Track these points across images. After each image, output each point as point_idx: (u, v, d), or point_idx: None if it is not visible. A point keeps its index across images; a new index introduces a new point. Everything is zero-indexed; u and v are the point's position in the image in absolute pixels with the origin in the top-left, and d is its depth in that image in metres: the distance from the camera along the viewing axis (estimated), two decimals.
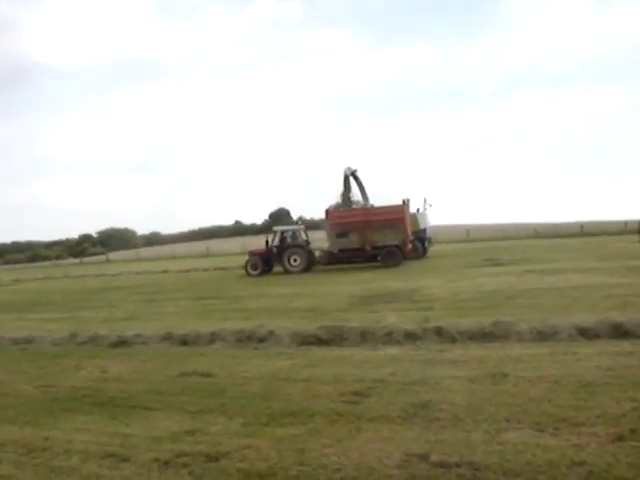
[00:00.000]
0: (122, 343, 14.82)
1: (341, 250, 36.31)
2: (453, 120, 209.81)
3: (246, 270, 37.75)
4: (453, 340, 12.09)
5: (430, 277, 25.73)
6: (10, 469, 7.02)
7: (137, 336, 15.09)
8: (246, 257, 39.61)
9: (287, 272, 36.24)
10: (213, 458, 6.72)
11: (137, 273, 46.74)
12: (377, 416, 7.74)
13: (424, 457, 6.27)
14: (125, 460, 6.90)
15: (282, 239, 38.11)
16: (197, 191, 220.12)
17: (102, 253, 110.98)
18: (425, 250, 41.03)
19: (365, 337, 12.84)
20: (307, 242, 38.46)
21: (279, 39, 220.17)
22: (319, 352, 12.29)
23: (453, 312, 15.50)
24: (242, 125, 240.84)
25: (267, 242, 38.15)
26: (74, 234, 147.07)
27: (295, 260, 36.82)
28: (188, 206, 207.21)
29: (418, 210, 41.30)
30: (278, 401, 8.90)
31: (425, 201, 42.92)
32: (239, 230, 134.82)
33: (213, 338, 14.18)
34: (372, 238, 35.49)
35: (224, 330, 14.52)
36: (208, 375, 10.96)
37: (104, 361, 13.05)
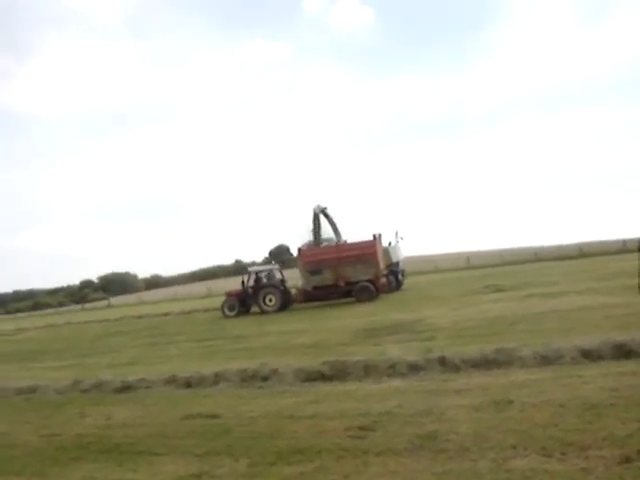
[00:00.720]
0: (126, 388, 14.77)
1: (315, 287, 36.32)
2: (447, 148, 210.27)
3: (223, 311, 37.88)
4: (457, 369, 12.06)
5: (433, 306, 25.69)
6: None
7: (141, 380, 15.04)
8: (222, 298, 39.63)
9: (263, 312, 36.28)
10: None
11: (139, 317, 46.59)
12: (383, 450, 7.72)
13: None
14: None
15: (257, 279, 38.36)
16: (196, 232, 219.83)
17: (104, 298, 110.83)
18: (399, 283, 41.18)
19: (369, 371, 12.80)
20: (282, 281, 38.58)
21: (270, 78, 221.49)
22: (323, 388, 12.25)
23: (456, 341, 15.49)
24: (238, 164, 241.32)
25: (243, 282, 38.35)
26: (75, 280, 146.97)
27: (270, 300, 36.84)
28: (188, 247, 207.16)
29: (390, 243, 41.36)
30: (284, 439, 8.87)
31: (397, 234, 43.15)
32: (239, 269, 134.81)
33: (217, 379, 14.15)
34: (345, 274, 35.62)
35: (228, 370, 14.48)
36: (213, 416, 10.93)
37: (109, 407, 13.01)
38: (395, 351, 14.52)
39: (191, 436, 9.80)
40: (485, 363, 12.07)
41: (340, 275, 35.58)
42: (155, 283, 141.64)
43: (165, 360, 19.74)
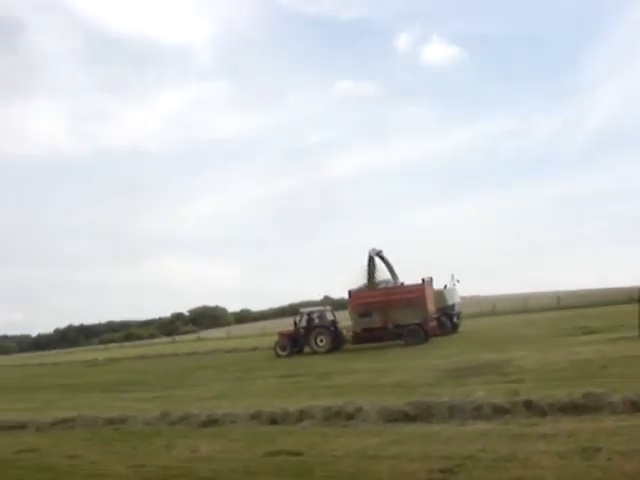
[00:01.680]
0: (212, 422, 14.98)
1: (364, 329, 36.49)
2: (539, 185, 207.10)
3: (275, 351, 38.25)
4: (543, 413, 11.83)
5: (521, 347, 25.12)
6: None
7: (226, 415, 15.23)
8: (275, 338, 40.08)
9: (314, 352, 36.62)
10: None
11: (227, 351, 47.11)
12: None
13: None
14: None
15: (309, 320, 38.63)
16: (287, 267, 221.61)
17: (194, 331, 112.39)
18: (455, 326, 41.04)
19: (453, 412, 12.68)
20: (334, 322, 38.69)
21: (358, 117, 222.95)
22: (407, 428, 12.19)
23: (544, 383, 15.15)
24: (328, 198, 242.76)
25: (295, 323, 38.91)
26: (167, 313, 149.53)
27: (321, 340, 37.19)
28: (277, 282, 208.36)
29: (445, 286, 41.73)
30: (366, 479, 8.87)
31: (453, 277, 43.35)
32: (330, 304, 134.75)
33: (302, 416, 14.21)
34: (394, 317, 35.64)
35: (313, 407, 14.52)
36: (296, 454, 10.99)
37: (195, 440, 13.23)
38: (481, 393, 14.30)
39: (274, 473, 9.90)
40: (573, 408, 11.80)
41: (389, 318, 35.72)
42: (244, 317, 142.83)
43: (251, 395, 19.94)
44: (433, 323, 36.53)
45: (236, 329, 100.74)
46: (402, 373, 21.20)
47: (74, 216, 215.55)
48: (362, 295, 37.84)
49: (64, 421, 17.38)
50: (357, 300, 37.40)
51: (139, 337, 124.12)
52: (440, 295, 39.96)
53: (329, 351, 36.45)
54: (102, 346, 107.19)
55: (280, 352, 37.79)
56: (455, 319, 41.12)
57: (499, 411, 12.27)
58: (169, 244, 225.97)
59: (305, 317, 39.04)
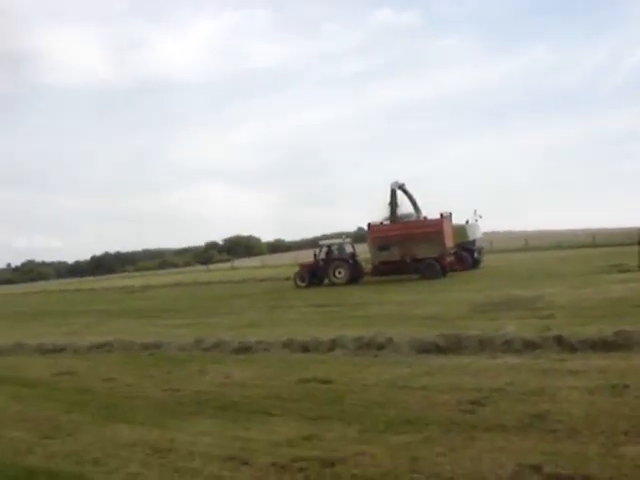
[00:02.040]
0: (245, 349, 15.25)
1: (382, 262, 37.25)
2: (578, 121, 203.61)
3: (295, 281, 39.50)
4: (573, 349, 11.87)
5: (554, 284, 25.09)
6: (138, 468, 7.44)
7: (259, 342, 15.49)
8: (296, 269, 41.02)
9: (332, 284, 37.48)
10: (329, 463, 6.91)
11: (261, 280, 47.55)
12: (492, 426, 7.76)
13: (537, 469, 6.24)
14: (245, 463, 7.20)
15: (328, 252, 39.33)
16: (321, 198, 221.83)
17: (228, 260, 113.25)
18: (477, 261, 41.31)
19: (484, 345, 12.78)
20: (353, 255, 39.52)
21: (397, 48, 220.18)
22: (437, 360, 12.32)
23: (575, 320, 15.16)
24: (362, 132, 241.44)
25: (315, 255, 39.98)
26: (201, 242, 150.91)
27: (340, 272, 38.04)
28: (312, 213, 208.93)
29: (467, 222, 41.96)
30: (395, 409, 9.02)
31: (475, 213, 43.38)
32: (361, 236, 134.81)
33: (333, 345, 14.41)
34: (412, 251, 36.20)
35: (344, 337, 14.72)
36: (327, 382, 11.19)
37: (227, 367, 13.51)
38: (511, 327, 14.35)
39: (305, 399, 10.09)
40: (603, 345, 11.82)
41: (407, 252, 36.30)
42: (278, 247, 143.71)
43: (284, 324, 20.24)
44: (451, 258, 37.10)
45: (269, 258, 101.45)
46: (434, 306, 21.29)
47: (112, 145, 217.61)
48: (381, 229, 38.46)
49: (101, 345, 17.80)
50: (376, 233, 38.05)
51: (174, 265, 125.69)
52: (461, 230, 40.34)
53: (347, 283, 37.20)
54: (138, 273, 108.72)
55: (299, 283, 39.00)
56: (476, 254, 41.28)
57: (529, 346, 12.34)
58: (204, 174, 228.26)
59: (325, 249, 39.74)
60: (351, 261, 38.69)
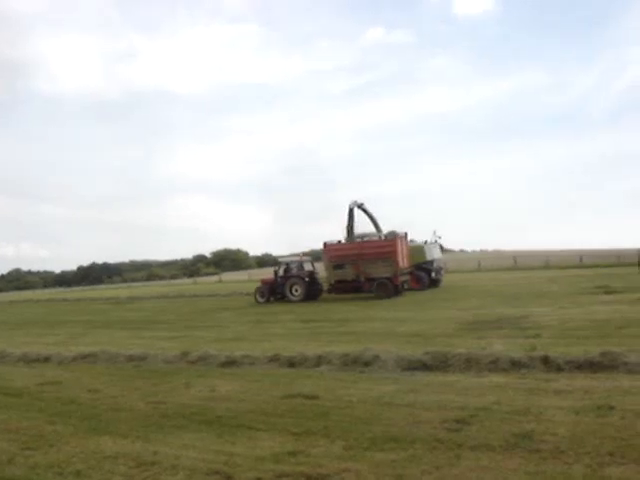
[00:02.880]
0: (231, 363, 15.21)
1: (338, 281, 38.11)
2: (567, 143, 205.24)
3: (255, 297, 40.65)
4: (559, 369, 11.91)
5: (540, 304, 25.21)
6: None
7: (245, 356, 15.46)
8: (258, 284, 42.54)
9: (289, 301, 38.45)
10: (313, 479, 6.88)
11: (247, 294, 47.35)
12: (478, 445, 7.75)
13: None
14: (228, 478, 7.18)
15: (286, 270, 40.33)
16: (312, 213, 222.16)
17: (215, 273, 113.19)
18: (435, 281, 41.98)
19: (470, 364, 12.79)
20: (311, 273, 40.04)
21: (388, 66, 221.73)
22: (423, 377, 12.32)
23: (561, 340, 15.25)
24: (354, 149, 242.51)
25: (275, 272, 40.78)
26: (189, 255, 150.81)
27: (296, 290, 38.96)
28: (299, 228, 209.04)
29: (426, 242, 43.13)
30: (380, 426, 9.00)
31: (434, 233, 45.02)
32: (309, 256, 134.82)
33: (319, 361, 14.39)
34: (365, 270, 36.97)
35: (330, 353, 14.72)
36: (313, 397, 11.17)
37: (213, 380, 13.46)
38: (498, 346, 14.40)
39: (290, 415, 10.06)
40: (589, 366, 11.87)
41: (361, 271, 37.06)
42: (265, 261, 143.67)
43: (270, 338, 20.20)
44: (404, 277, 37.81)
45: (257, 273, 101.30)
46: (421, 323, 21.30)
47: (102, 156, 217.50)
48: (336, 248, 39.12)
49: (86, 356, 17.71)
50: (331, 252, 38.78)
51: (161, 277, 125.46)
52: (419, 250, 41.49)
53: (303, 300, 38.05)
54: (124, 285, 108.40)
55: (259, 299, 40.18)
56: (434, 274, 41.77)
57: (516, 365, 12.37)
58: (194, 187, 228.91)
59: (283, 267, 40.73)
60: (307, 279, 39.34)
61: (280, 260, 43.26)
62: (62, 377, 15.20)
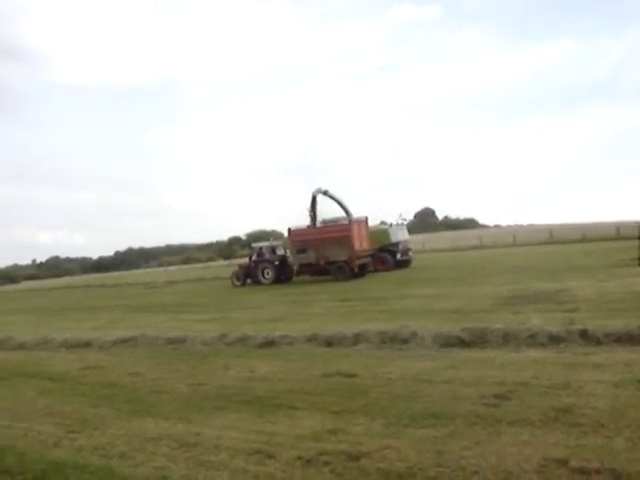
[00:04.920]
0: (269, 344, 15.31)
1: (302, 265, 40.24)
2: (598, 116, 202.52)
3: (231, 280, 43.82)
4: (598, 343, 11.82)
5: (577, 277, 24.91)
6: (164, 461, 7.52)
7: (283, 337, 15.56)
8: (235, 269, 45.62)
9: (260, 284, 41.05)
10: (354, 457, 6.95)
11: None
12: (517, 419, 7.76)
13: (563, 462, 6.25)
14: (270, 457, 7.25)
15: (259, 254, 42.81)
16: (343, 191, 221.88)
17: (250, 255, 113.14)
18: (403, 262, 43.67)
19: (508, 339, 12.76)
20: (283, 257, 42.32)
21: (417, 42, 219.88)
22: (461, 354, 12.32)
23: (600, 314, 15.08)
24: (384, 126, 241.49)
25: (250, 257, 43.91)
26: (224, 237, 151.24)
27: (268, 273, 41.54)
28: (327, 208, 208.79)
29: (391, 225, 44.87)
30: (419, 403, 9.03)
31: (400, 216, 46.91)
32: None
33: (357, 339, 14.43)
34: (324, 254, 39.00)
35: (368, 331, 14.73)
36: (352, 376, 11.23)
37: (252, 361, 13.57)
38: (536, 321, 14.27)
39: (329, 393, 10.12)
40: (629, 339, 11.76)
41: (321, 255, 39.20)
42: None
43: (307, 318, 20.28)
44: (363, 260, 39.43)
45: None
46: (457, 300, 21.21)
47: (136, 141, 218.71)
48: (299, 233, 40.96)
49: (126, 340, 17.95)
50: (295, 237, 40.86)
51: (197, 260, 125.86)
52: (383, 233, 43.41)
53: (274, 283, 40.46)
54: (161, 268, 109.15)
55: (236, 282, 43.34)
56: (399, 255, 43.34)
57: (554, 339, 12.30)
58: (229, 168, 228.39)
59: (257, 252, 43.20)
60: (277, 263, 41.55)
61: (253, 245, 45.99)
62: (103, 361, 15.43)
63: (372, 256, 40.75)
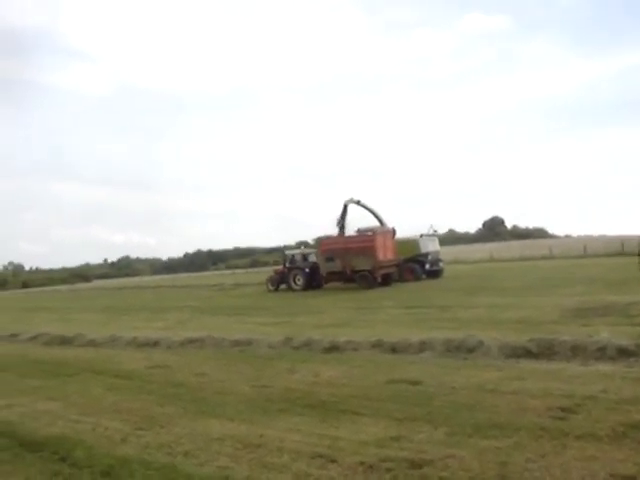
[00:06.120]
0: (334, 349, 15.38)
1: (329, 273, 41.65)
2: None
3: (266, 285, 45.77)
4: None
5: None
6: (227, 461, 7.63)
7: (348, 342, 15.60)
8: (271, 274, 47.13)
9: (292, 290, 42.61)
10: (416, 465, 6.94)
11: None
12: (584, 434, 7.63)
13: (631, 479, 6.13)
14: (332, 461, 7.30)
15: (292, 261, 44.61)
16: (408, 200, 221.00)
17: None
18: (434, 272, 44.09)
19: (576, 351, 12.57)
20: (314, 264, 43.24)
21: (488, 52, 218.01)
22: (528, 365, 12.19)
23: None
24: (453, 135, 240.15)
25: (284, 263, 45.37)
26: (292, 241, 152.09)
27: (299, 279, 43.05)
28: (397, 215, 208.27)
29: (421, 235, 45.23)
30: (484, 413, 8.96)
31: (430, 227, 47.82)
32: (453, 239, 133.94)
33: (422, 347, 14.40)
34: (350, 263, 40.25)
35: (434, 339, 14.68)
36: (416, 383, 11.20)
37: (317, 365, 13.64)
38: (605, 334, 13.98)
39: (393, 400, 10.12)
40: None
41: (347, 264, 40.42)
42: None
43: (372, 324, 20.27)
44: (388, 270, 40.84)
45: None
46: (524, 310, 20.90)
47: (205, 146, 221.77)
48: (328, 242, 42.47)
49: (193, 341, 18.24)
50: (324, 246, 42.36)
51: (264, 264, 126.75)
52: (413, 243, 43.95)
53: (305, 289, 41.92)
54: (229, 271, 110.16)
55: (270, 287, 45.17)
56: (428, 266, 43.80)
57: (623, 353, 12.07)
58: (297, 173, 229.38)
59: (289, 258, 45.10)
60: (308, 270, 42.86)
61: (286, 252, 47.63)
62: (170, 361, 15.69)
63: (400, 266, 42.19)
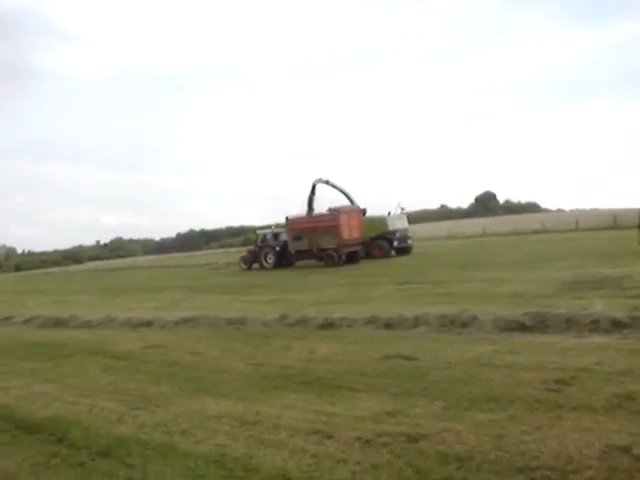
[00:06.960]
0: (329, 325, 15.41)
1: (297, 251, 43.02)
2: None
3: (239, 264, 47.52)
4: None
5: None
6: (225, 439, 7.67)
7: (343, 319, 15.64)
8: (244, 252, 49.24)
9: (263, 267, 44.74)
10: (413, 439, 6.97)
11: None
12: (579, 405, 7.68)
13: (626, 450, 6.17)
14: (329, 437, 7.33)
15: (263, 239, 46.20)
16: (403, 174, 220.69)
17: None
18: (403, 249, 45.31)
19: (570, 324, 12.61)
20: (285, 242, 44.37)
21: (478, 24, 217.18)
22: (522, 338, 12.23)
23: None
24: (445, 109, 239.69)
25: (255, 242, 47.29)
26: (282, 219, 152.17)
27: (270, 258, 44.82)
28: (395, 190, 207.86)
29: (389, 213, 45.88)
30: (479, 386, 9.00)
31: (398, 205, 48.01)
32: (445, 214, 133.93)
33: (417, 322, 14.44)
34: (317, 242, 41.61)
35: (428, 314, 14.72)
36: (411, 358, 11.23)
37: (312, 342, 13.68)
38: (599, 306, 14.03)
39: (388, 375, 10.16)
40: None
41: (313, 242, 41.83)
42: None
43: (367, 300, 20.27)
44: (354, 248, 42.10)
45: None
46: (518, 284, 20.93)
47: (197, 126, 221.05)
48: (295, 221, 43.65)
49: (187, 320, 18.25)
50: (292, 225, 43.61)
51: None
52: (381, 221, 44.89)
53: (275, 267, 43.84)
54: (222, 250, 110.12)
55: (243, 265, 47.03)
56: (396, 243, 44.65)
57: (617, 325, 12.11)
58: (286, 152, 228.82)
59: (261, 237, 46.67)
60: (279, 248, 44.25)
61: (258, 232, 48.65)
62: (165, 340, 15.72)
63: (367, 243, 43.43)
